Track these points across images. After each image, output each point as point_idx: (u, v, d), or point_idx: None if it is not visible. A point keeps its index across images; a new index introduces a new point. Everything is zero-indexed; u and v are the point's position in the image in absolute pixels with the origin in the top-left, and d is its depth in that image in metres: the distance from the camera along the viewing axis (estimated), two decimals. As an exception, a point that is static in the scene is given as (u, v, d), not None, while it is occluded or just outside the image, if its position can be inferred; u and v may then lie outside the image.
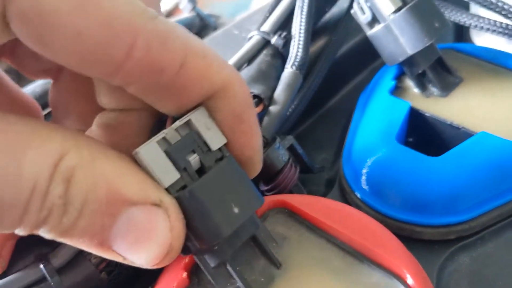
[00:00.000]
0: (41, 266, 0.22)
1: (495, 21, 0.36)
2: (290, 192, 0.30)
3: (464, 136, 0.30)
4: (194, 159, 0.21)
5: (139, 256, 0.19)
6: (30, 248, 0.25)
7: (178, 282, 0.23)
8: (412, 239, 0.28)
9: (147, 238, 0.19)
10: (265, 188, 0.30)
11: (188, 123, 0.21)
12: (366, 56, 0.43)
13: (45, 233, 0.17)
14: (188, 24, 0.52)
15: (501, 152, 0.29)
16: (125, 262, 0.19)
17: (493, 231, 0.29)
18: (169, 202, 0.19)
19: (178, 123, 0.21)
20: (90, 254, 0.23)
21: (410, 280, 0.22)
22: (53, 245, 0.23)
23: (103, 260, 0.23)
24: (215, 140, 0.22)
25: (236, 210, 0.21)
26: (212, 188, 0.21)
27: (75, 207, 0.17)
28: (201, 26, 0.53)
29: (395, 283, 0.22)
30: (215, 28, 0.53)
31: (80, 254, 0.23)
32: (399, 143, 0.30)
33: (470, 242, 0.29)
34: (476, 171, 0.29)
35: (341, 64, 0.41)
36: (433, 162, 0.29)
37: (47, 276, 0.22)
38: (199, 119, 0.21)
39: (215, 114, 0.21)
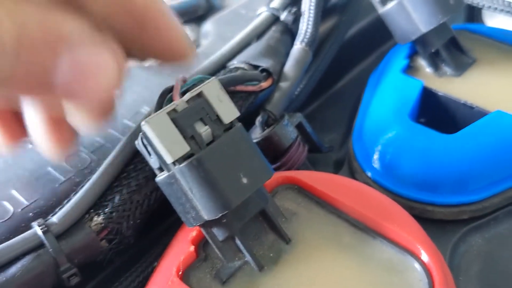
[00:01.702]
0: (40, 232, 0.21)
1: (509, 2, 0.35)
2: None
3: (478, 115, 0.29)
4: (203, 129, 0.20)
5: (89, 85, 0.18)
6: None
7: (185, 256, 0.22)
8: (424, 219, 0.28)
9: (96, 68, 0.18)
10: (272, 166, 0.29)
11: (200, 95, 0.21)
12: (374, 39, 0.42)
13: None
14: (194, 6, 0.51)
15: (516, 131, 0.28)
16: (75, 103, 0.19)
17: (507, 212, 0.28)
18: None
19: (189, 94, 0.21)
20: (90, 221, 0.22)
21: (424, 257, 0.21)
22: (54, 211, 0.23)
23: (104, 227, 0.22)
24: (227, 112, 0.21)
25: (244, 180, 0.21)
26: (220, 157, 0.20)
27: (9, 46, 0.16)
28: (207, 8, 0.52)
29: (408, 259, 0.22)
30: (220, 10, 0.52)
31: (81, 221, 0.22)
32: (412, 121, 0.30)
33: (483, 222, 0.28)
34: (490, 149, 0.28)
35: (349, 47, 0.40)
36: (447, 140, 0.28)
37: (46, 242, 0.21)
38: (211, 91, 0.21)
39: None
